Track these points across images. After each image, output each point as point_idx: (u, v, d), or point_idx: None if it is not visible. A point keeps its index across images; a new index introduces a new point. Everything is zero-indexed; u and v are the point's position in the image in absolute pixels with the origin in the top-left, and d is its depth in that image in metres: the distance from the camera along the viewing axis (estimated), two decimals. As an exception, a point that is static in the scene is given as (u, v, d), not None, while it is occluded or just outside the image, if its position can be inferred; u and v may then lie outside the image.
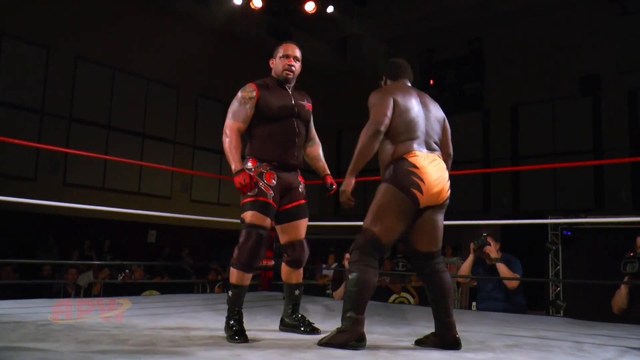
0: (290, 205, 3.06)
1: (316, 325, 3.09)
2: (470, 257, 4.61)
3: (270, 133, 2.98)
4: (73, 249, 9.59)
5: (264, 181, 2.92)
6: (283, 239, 3.12)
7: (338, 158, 14.14)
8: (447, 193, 2.73)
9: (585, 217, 8.19)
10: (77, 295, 7.39)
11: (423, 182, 2.63)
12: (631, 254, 3.85)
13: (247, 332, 2.77)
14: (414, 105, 2.76)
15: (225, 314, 2.89)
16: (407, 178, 2.63)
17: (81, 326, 2.95)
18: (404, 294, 6.98)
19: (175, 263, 10.56)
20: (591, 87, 11.35)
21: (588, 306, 6.61)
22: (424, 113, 2.78)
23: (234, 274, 2.88)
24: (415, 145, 2.69)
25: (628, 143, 10.84)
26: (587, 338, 3.14)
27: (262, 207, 2.88)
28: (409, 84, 2.93)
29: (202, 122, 12.49)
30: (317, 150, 3.30)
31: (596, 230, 7.76)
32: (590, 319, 4.03)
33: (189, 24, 11.98)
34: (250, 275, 2.91)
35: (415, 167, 2.64)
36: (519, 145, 12.28)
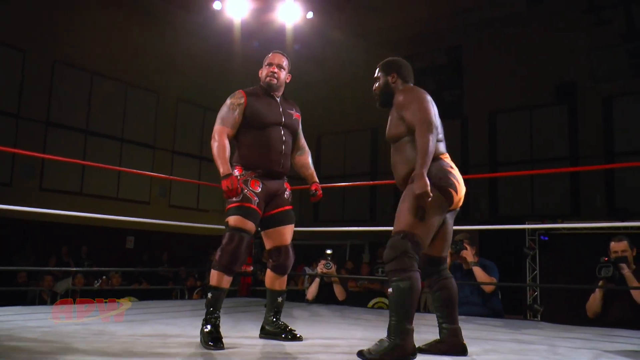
0: (275, 211, 3.06)
1: (298, 332, 3.05)
2: (447, 261, 4.64)
3: (256, 141, 3.00)
4: (50, 255, 9.45)
5: (249, 188, 2.93)
6: (268, 244, 3.11)
7: (318, 162, 14.11)
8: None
9: (562, 222, 8.31)
10: (53, 302, 7.28)
11: (458, 182, 2.61)
12: (606, 259, 3.91)
13: (224, 339, 2.74)
14: (435, 108, 2.72)
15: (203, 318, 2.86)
16: (446, 178, 2.58)
17: (57, 333, 2.91)
18: (383, 299, 7.00)
19: (153, 269, 10.46)
20: (567, 95, 11.54)
21: (565, 310, 6.70)
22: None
23: (214, 276, 2.86)
24: (444, 147, 2.69)
25: (603, 150, 11.05)
26: (562, 342, 3.19)
27: (246, 212, 2.89)
28: None
29: (182, 127, 12.43)
30: (306, 158, 3.30)
31: (572, 235, 7.88)
32: (566, 322, 4.08)
33: (169, 28, 11.92)
34: (230, 279, 2.89)
35: (452, 167, 2.64)
36: (497, 151, 12.43)
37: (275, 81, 3.10)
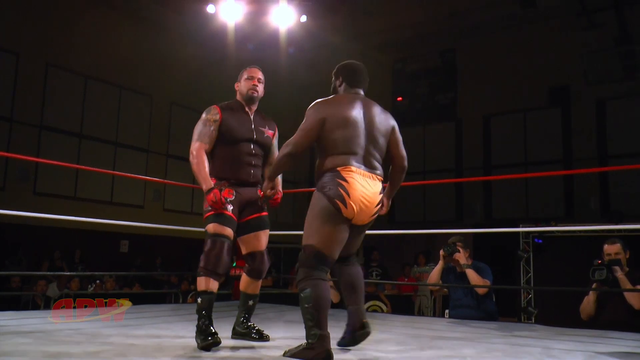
0: (250, 217, 3.19)
1: (266, 332, 3.17)
2: (440, 264, 4.63)
3: (228, 155, 3.15)
4: (43, 259, 9.40)
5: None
6: (244, 249, 3.24)
7: (310, 166, 14.15)
8: (374, 215, 2.75)
9: (556, 225, 8.32)
10: (46, 307, 7.25)
11: (348, 196, 2.61)
12: (599, 262, 3.92)
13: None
14: (357, 119, 2.73)
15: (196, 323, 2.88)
16: (333, 188, 2.62)
17: (50, 338, 2.90)
18: (377, 303, 7.01)
19: (147, 273, 10.43)
20: (561, 98, 11.60)
21: (559, 312, 6.71)
22: (367, 129, 2.74)
23: (201, 282, 2.94)
24: (352, 161, 2.67)
25: (596, 152, 11.10)
26: (556, 344, 3.20)
27: (222, 219, 3.02)
28: (361, 92, 2.93)
29: (176, 131, 12.39)
30: None
31: (566, 238, 7.89)
32: (560, 325, 4.09)
33: (162, 31, 11.90)
34: (217, 283, 2.96)
35: (345, 180, 2.62)
36: (491, 154, 12.46)
37: (256, 94, 3.26)
